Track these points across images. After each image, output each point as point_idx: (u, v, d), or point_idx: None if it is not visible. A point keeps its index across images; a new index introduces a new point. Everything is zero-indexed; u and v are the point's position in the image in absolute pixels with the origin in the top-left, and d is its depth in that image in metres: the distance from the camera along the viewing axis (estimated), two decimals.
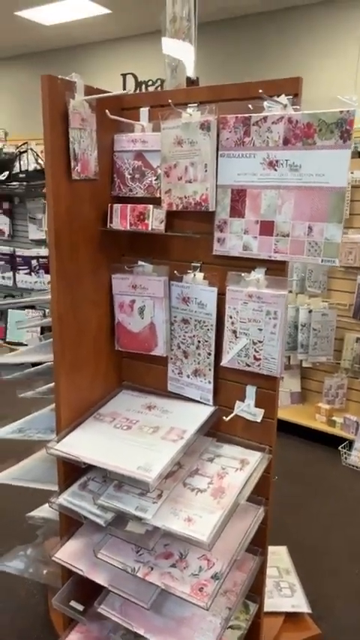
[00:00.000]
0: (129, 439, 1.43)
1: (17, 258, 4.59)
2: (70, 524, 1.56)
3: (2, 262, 4.69)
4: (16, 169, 4.33)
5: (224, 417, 1.42)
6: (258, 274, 1.39)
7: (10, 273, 4.68)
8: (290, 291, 3.51)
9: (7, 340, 4.76)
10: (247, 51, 5.91)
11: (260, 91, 1.18)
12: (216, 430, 1.56)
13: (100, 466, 1.34)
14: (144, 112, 1.47)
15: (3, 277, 4.71)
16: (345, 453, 3.18)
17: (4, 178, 4.36)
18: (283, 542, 2.27)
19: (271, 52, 5.74)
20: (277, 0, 5.39)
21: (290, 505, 2.72)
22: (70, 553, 1.52)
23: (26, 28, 6.70)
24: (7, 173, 4.36)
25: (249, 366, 1.44)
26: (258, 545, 1.58)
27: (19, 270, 4.60)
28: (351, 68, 5.25)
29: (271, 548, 2.18)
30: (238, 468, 1.44)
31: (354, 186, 3.18)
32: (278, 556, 2.15)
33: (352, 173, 3.18)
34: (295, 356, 3.49)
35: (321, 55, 5.44)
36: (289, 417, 3.48)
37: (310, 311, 3.39)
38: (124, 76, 3.86)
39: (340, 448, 3.21)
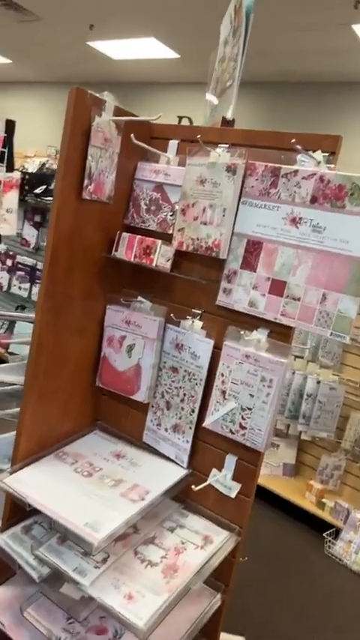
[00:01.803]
0: (85, 488, 1.28)
1: (37, 272, 4.57)
2: (6, 567, 1.39)
3: (23, 273, 4.67)
4: (53, 185, 4.36)
5: (193, 487, 1.26)
6: (260, 335, 1.27)
7: (28, 285, 4.65)
8: (301, 358, 3.36)
9: (8, 351, 4.67)
10: (295, 115, 5.98)
11: (293, 140, 1.10)
12: (185, 496, 1.40)
13: (45, 512, 1.19)
14: (173, 144, 1.40)
15: (20, 287, 4.68)
16: (330, 541, 2.94)
17: (40, 192, 4.40)
18: (241, 630, 2.04)
19: (318, 120, 5.78)
20: (335, 73, 5.49)
21: (258, 587, 2.48)
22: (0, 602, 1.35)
23: (95, 58, 6.96)
24: (44, 187, 4.39)
25: (233, 433, 1.29)
26: (208, 636, 1.39)
27: (37, 283, 4.56)
28: None
29: (225, 636, 1.96)
30: (199, 545, 1.27)
31: None
32: None
33: None
34: (295, 426, 3.30)
35: None
36: (278, 489, 3.26)
37: (319, 382, 3.22)
38: (180, 118, 3.90)
39: (325, 535, 2.96)
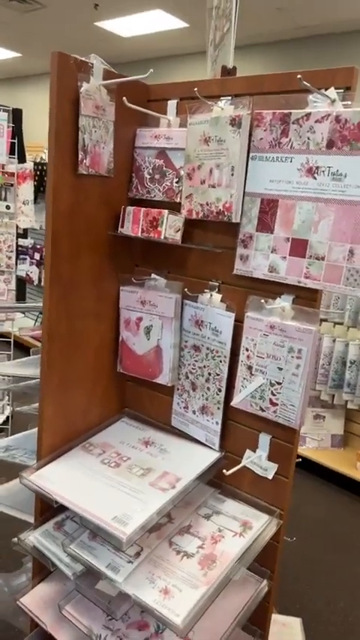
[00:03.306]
0: (113, 479, 1.22)
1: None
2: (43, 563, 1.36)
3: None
4: None
5: (225, 471, 1.18)
6: (284, 302, 1.15)
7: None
8: (341, 324, 3.19)
9: None
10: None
11: (299, 76, 0.96)
12: (220, 480, 1.32)
13: (72, 508, 1.13)
14: (171, 104, 1.28)
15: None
16: None
17: None
18: (298, 613, 1.97)
19: None
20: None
21: (313, 567, 2.39)
22: (38, 599, 1.32)
23: (105, 39, 6.80)
24: None
25: (263, 410, 1.19)
26: (257, 625, 1.32)
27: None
28: None
29: (282, 619, 1.89)
30: (237, 532, 1.19)
31: None
32: (290, 630, 1.85)
33: None
34: (340, 395, 3.16)
35: None
36: (327, 461, 3.14)
37: None
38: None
39: None
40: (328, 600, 2.19)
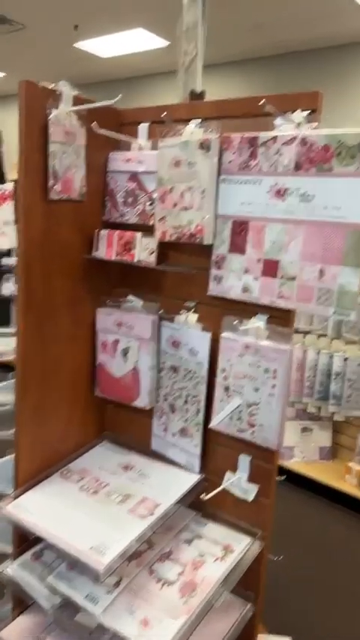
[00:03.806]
0: (92, 507, 1.20)
1: None
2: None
3: None
4: None
5: (203, 496, 1.16)
6: (258, 322, 1.15)
7: None
8: (325, 335, 3.21)
9: None
10: (303, 84, 5.75)
11: (262, 102, 0.97)
12: (202, 503, 1.30)
13: (49, 539, 1.11)
14: (142, 128, 1.29)
15: None
16: None
17: None
18: (288, 631, 1.94)
19: (323, 86, 5.53)
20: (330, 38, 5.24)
21: (303, 583, 2.37)
22: (19, 632, 1.29)
23: (84, 60, 6.87)
24: None
25: (242, 432, 1.19)
26: None
27: None
28: None
29: (271, 638, 1.86)
30: (218, 557, 1.17)
31: None
32: None
33: None
34: (327, 407, 3.16)
35: None
36: (316, 474, 3.13)
37: (346, 359, 3.07)
38: (192, 93, 3.78)
39: None
40: (320, 617, 2.17)
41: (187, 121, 1.20)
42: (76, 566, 1.14)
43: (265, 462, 1.20)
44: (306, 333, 3.23)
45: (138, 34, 5.89)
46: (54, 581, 1.13)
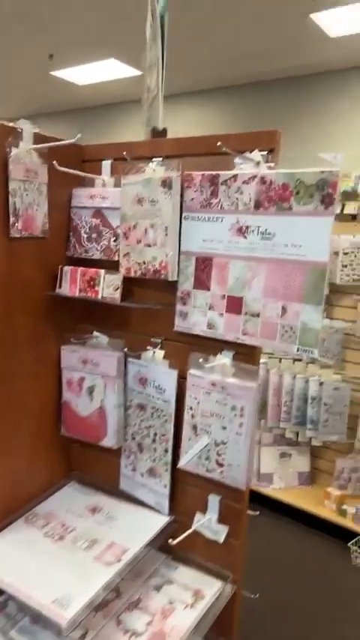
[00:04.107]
0: (57, 555, 1.15)
1: None
2: None
3: None
4: None
5: (170, 541, 1.13)
6: (224, 359, 1.14)
7: None
8: (300, 360, 3.22)
9: None
10: (277, 115, 5.88)
11: (219, 144, 0.98)
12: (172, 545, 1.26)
13: (10, 592, 1.06)
14: (106, 164, 1.29)
15: None
16: (355, 550, 2.77)
17: None
18: None
19: (302, 117, 5.66)
20: (311, 66, 5.41)
21: (284, 611, 2.32)
22: None
23: (62, 87, 6.94)
24: None
25: (210, 472, 1.16)
26: None
27: None
28: None
29: None
30: (188, 603, 1.13)
31: None
32: None
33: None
34: (304, 432, 3.15)
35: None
36: (295, 501, 3.10)
37: (322, 383, 3.08)
38: (153, 130, 3.82)
39: (350, 545, 2.80)
40: None
41: (149, 158, 1.20)
42: (40, 619, 1.08)
43: (235, 502, 1.17)
44: (282, 358, 3.23)
45: (110, 64, 5.99)
46: (16, 635, 1.07)
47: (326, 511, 3.03)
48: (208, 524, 1.20)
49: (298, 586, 2.53)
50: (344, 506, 2.98)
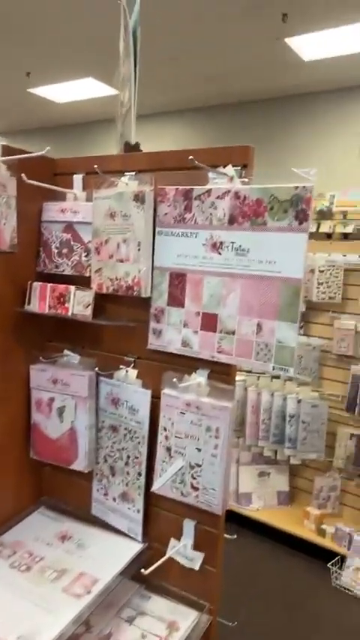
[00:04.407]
0: (22, 588, 1.08)
1: None
2: None
3: None
4: None
5: (143, 571, 1.07)
6: (199, 378, 1.10)
7: None
8: (278, 377, 3.21)
9: None
10: (251, 135, 5.98)
11: (190, 157, 0.96)
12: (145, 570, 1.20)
13: None
14: (77, 178, 1.26)
15: None
16: (335, 571, 2.73)
17: None
18: None
19: (276, 139, 5.76)
20: (288, 87, 5.53)
21: (265, 635, 2.25)
22: None
23: (40, 104, 6.94)
24: None
25: (185, 496, 1.11)
26: None
27: None
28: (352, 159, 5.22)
29: None
30: (162, 636, 1.07)
31: (347, 269, 2.97)
32: None
33: (344, 256, 2.98)
34: (283, 450, 3.12)
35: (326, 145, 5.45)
36: (274, 521, 3.05)
37: (299, 401, 3.06)
38: (126, 144, 3.82)
39: (329, 565, 2.75)
40: None
41: (121, 172, 1.18)
42: None
43: (211, 527, 1.13)
44: (260, 374, 3.21)
45: (88, 82, 6.02)
46: None
47: (306, 531, 2.98)
48: (184, 550, 1.15)
49: (278, 611, 2.47)
50: (323, 526, 2.94)
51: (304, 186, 0.95)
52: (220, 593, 1.15)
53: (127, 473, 1.21)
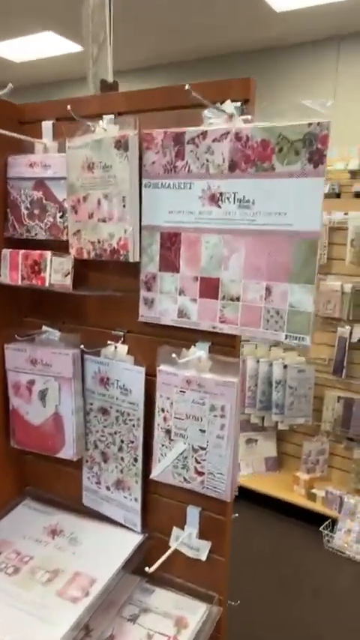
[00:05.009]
0: (11, 594, 0.96)
1: None
2: None
3: None
4: None
5: (147, 569, 0.97)
6: (199, 352, 0.98)
7: None
8: (263, 344, 3.12)
9: None
10: None
11: (187, 87, 0.80)
12: (148, 564, 1.10)
13: None
14: (47, 126, 1.08)
15: None
16: (327, 534, 2.72)
17: None
18: None
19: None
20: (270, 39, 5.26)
21: (259, 603, 2.23)
22: None
23: None
24: None
25: (188, 482, 1.00)
26: None
27: None
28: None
29: None
30: (170, 635, 0.98)
31: (332, 228, 2.85)
32: None
33: (328, 214, 2.85)
34: (270, 417, 3.06)
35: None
36: (264, 488, 3.02)
37: (286, 366, 2.99)
38: (103, 82, 3.56)
39: (321, 529, 2.74)
40: (276, 636, 2.03)
41: (99, 116, 1.01)
42: None
43: (218, 514, 1.02)
44: (244, 342, 3.12)
45: (48, 37, 5.62)
46: None
47: (296, 496, 2.96)
48: (188, 540, 1.05)
49: (271, 577, 2.44)
50: (314, 490, 2.92)
51: (318, 123, 0.81)
52: (227, 582, 1.06)
53: (122, 459, 1.09)
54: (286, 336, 0.88)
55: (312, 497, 2.91)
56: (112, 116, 0.99)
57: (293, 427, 3.13)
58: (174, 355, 0.96)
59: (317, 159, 0.81)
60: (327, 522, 2.76)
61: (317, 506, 2.86)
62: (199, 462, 0.98)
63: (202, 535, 1.04)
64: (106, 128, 0.97)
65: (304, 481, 2.97)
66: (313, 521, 2.81)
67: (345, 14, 4.56)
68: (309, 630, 2.12)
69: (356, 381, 2.95)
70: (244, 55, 5.58)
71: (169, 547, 1.06)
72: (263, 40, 5.27)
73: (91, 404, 1.12)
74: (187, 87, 0.80)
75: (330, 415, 3.03)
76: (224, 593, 1.05)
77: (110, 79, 1.02)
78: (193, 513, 1.04)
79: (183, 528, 1.06)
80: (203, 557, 1.04)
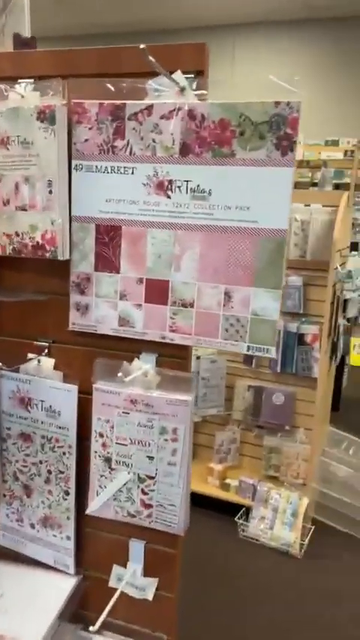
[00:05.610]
0: None
1: None
2: None
3: None
4: None
5: (91, 628, 0.82)
6: (145, 365, 0.84)
7: None
8: None
9: None
10: None
11: (142, 46, 0.65)
12: (84, 608, 0.95)
13: None
14: None
15: None
16: (242, 524, 2.74)
17: None
18: None
19: None
20: None
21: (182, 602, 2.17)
22: None
23: None
24: None
25: (133, 516, 0.87)
26: None
27: None
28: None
29: None
30: None
31: None
32: None
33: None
34: None
35: None
36: None
37: (198, 357, 2.95)
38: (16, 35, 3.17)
39: (236, 519, 2.76)
40: (201, 632, 1.99)
41: (12, 79, 0.81)
42: None
43: (166, 546, 0.90)
44: None
45: None
46: None
47: (210, 487, 2.95)
48: (132, 578, 0.92)
49: (187, 570, 2.40)
50: (227, 480, 2.93)
51: (288, 103, 0.70)
52: (176, 621, 0.95)
53: (50, 492, 0.92)
54: (249, 348, 0.77)
55: (226, 487, 2.92)
56: (30, 80, 0.79)
57: (206, 418, 3.11)
58: (118, 372, 0.81)
59: (286, 145, 0.71)
60: (242, 511, 2.78)
61: (231, 496, 2.87)
62: (146, 494, 0.85)
63: (148, 571, 0.92)
64: (25, 95, 0.78)
65: (218, 472, 2.96)
66: (229, 511, 2.81)
67: None
68: (224, 611, 2.11)
69: (265, 370, 3.00)
70: (146, 34, 5.39)
71: (109, 587, 0.92)
72: (168, 19, 5.13)
73: (9, 429, 0.93)
74: (142, 46, 0.64)
75: (241, 404, 3.05)
76: (174, 632, 0.94)
77: (27, 33, 0.83)
78: (137, 548, 0.91)
79: (125, 565, 0.93)
80: (150, 597, 0.91)
